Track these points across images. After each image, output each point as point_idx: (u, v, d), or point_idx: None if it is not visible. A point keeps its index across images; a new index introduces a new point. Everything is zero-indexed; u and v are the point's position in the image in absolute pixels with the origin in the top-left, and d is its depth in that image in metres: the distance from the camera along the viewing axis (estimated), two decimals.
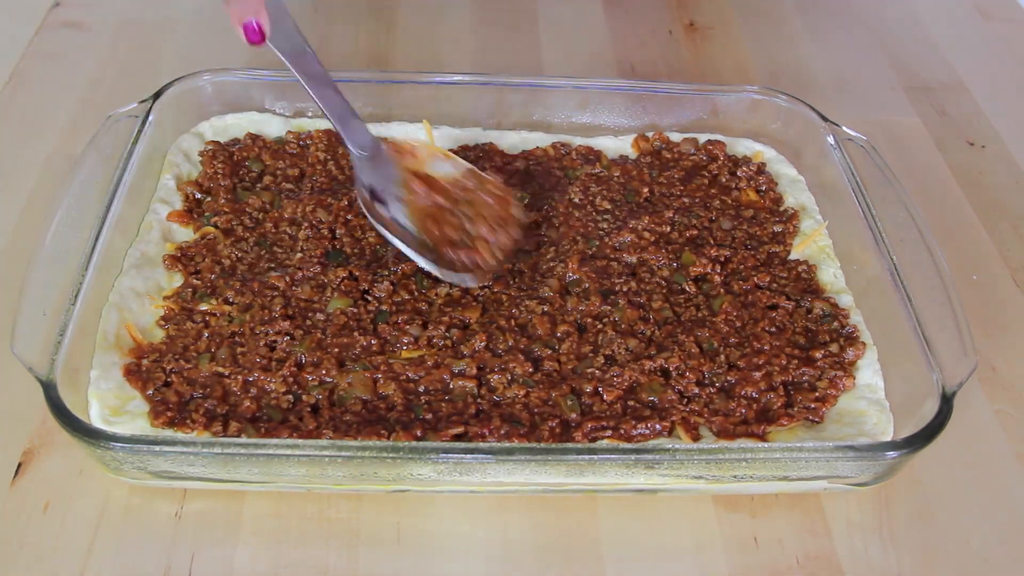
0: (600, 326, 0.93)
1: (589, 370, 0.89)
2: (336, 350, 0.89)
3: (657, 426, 0.84)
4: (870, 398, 0.90)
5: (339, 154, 1.12)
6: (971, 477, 0.90)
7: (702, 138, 1.18)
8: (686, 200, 1.09)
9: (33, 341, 0.80)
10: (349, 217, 1.03)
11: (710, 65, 1.43)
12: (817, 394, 0.89)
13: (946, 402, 0.81)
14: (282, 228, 1.02)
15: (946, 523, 0.86)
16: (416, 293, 0.95)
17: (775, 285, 0.99)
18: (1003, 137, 1.32)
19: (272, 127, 1.15)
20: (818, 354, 0.91)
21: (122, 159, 0.98)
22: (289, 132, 1.14)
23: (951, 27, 1.56)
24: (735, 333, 0.93)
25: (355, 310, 0.93)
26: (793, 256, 1.05)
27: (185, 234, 1.02)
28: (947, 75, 1.44)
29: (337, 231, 1.02)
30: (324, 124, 1.15)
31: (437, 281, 0.96)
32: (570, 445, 0.81)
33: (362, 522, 0.83)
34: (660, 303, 0.96)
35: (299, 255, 0.98)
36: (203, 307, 0.92)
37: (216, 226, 1.01)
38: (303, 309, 0.93)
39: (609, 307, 0.95)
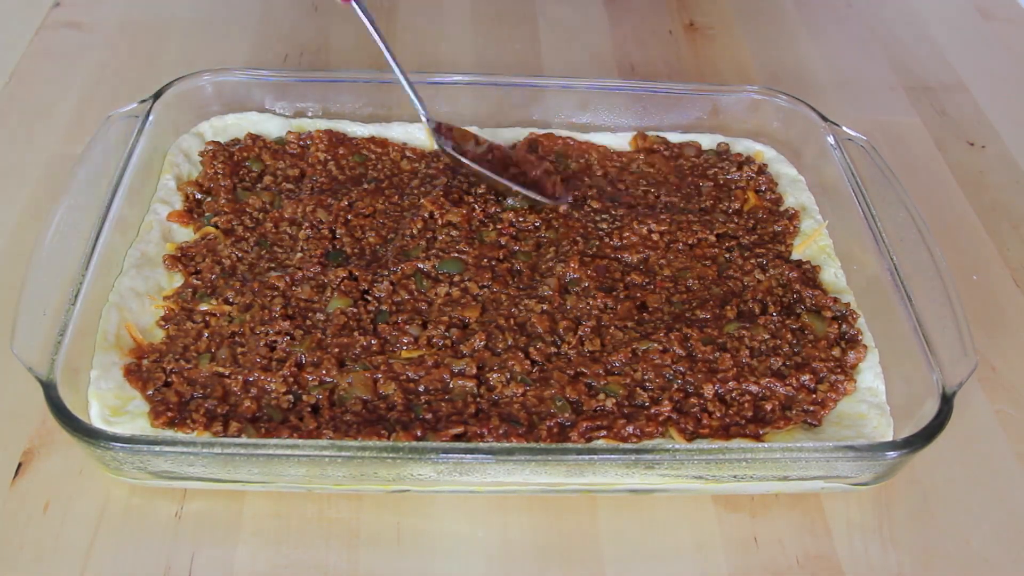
0: (596, 324, 0.93)
1: (591, 368, 0.89)
2: (336, 350, 0.89)
3: (648, 429, 0.84)
4: (871, 401, 0.90)
5: (339, 154, 1.12)
6: (971, 477, 0.90)
7: (703, 139, 1.18)
8: (677, 199, 1.09)
9: (33, 341, 0.80)
10: (349, 217, 1.03)
11: (710, 65, 1.43)
12: (816, 397, 0.88)
13: (946, 402, 0.81)
14: (282, 228, 1.02)
15: (946, 523, 0.86)
16: (416, 293, 0.95)
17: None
18: (1003, 137, 1.32)
19: (272, 127, 1.15)
20: (817, 354, 0.91)
21: (122, 159, 0.98)
22: (289, 132, 1.14)
23: (951, 27, 1.56)
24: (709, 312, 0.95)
25: (355, 310, 0.93)
26: (794, 256, 1.05)
27: (185, 234, 1.02)
28: (947, 75, 1.44)
29: (337, 231, 1.02)
30: (324, 124, 1.15)
31: (436, 281, 0.96)
32: (570, 445, 0.81)
33: (362, 522, 0.83)
34: (657, 303, 0.96)
35: (299, 255, 0.98)
36: (203, 307, 0.92)
37: (216, 226, 1.01)
38: (303, 309, 0.93)
39: (611, 303, 0.95)
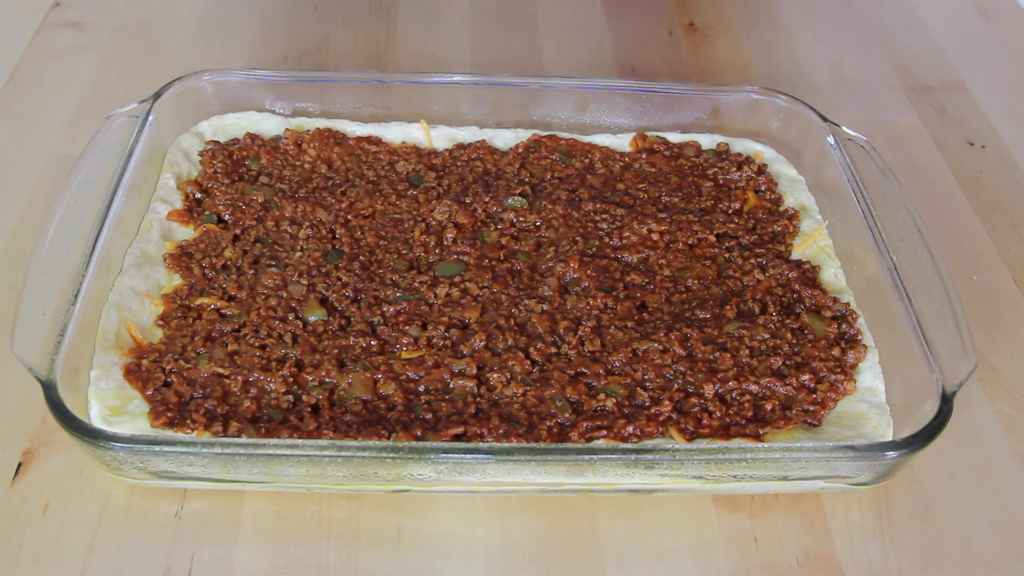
0: (596, 324, 0.93)
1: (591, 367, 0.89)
2: (335, 351, 0.89)
3: (648, 429, 0.84)
4: (871, 401, 0.89)
5: (334, 154, 1.12)
6: (971, 477, 0.90)
7: (702, 139, 1.18)
8: (677, 200, 1.09)
9: (33, 341, 0.80)
10: (349, 217, 1.03)
11: (710, 65, 1.43)
12: (815, 397, 0.88)
13: (946, 402, 0.81)
14: (283, 227, 1.02)
15: (946, 523, 0.86)
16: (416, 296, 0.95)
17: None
18: (1003, 137, 1.32)
19: (272, 127, 1.15)
20: (816, 354, 0.91)
21: (122, 159, 0.98)
22: (287, 130, 1.14)
23: (951, 27, 1.56)
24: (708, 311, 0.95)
25: (330, 319, 0.93)
26: (794, 256, 1.05)
27: (185, 233, 1.02)
28: (947, 75, 1.44)
29: (337, 231, 1.02)
30: (323, 123, 1.15)
31: (436, 283, 0.96)
32: (570, 445, 0.81)
33: (362, 522, 0.83)
34: (657, 303, 0.96)
35: (298, 254, 0.98)
36: (203, 300, 0.92)
37: (220, 220, 1.01)
38: (296, 310, 0.93)
39: (610, 303, 0.95)
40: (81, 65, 1.32)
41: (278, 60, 1.37)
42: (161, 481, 0.81)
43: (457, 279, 0.97)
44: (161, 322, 0.91)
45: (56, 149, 1.17)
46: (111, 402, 0.83)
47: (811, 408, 0.88)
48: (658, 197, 1.10)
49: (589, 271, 0.98)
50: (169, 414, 0.82)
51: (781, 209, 1.10)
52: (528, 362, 0.89)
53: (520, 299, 0.96)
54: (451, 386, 0.87)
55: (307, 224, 1.01)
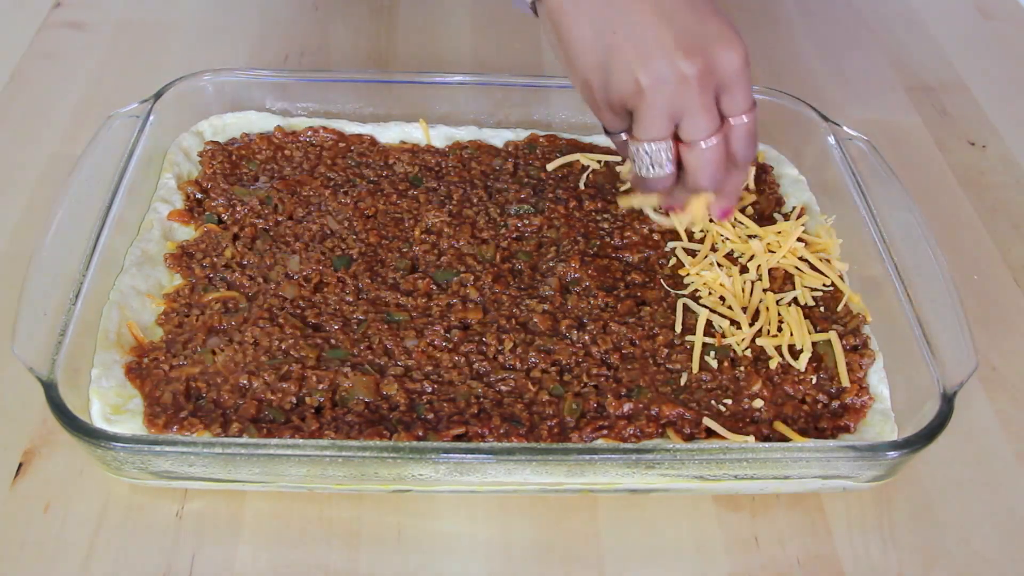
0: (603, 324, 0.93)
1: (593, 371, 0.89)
2: (338, 361, 0.89)
3: (648, 429, 0.84)
4: (875, 408, 0.89)
5: (335, 154, 1.12)
6: (972, 477, 0.90)
7: None
8: None
9: (33, 341, 0.80)
10: (354, 222, 1.03)
11: None
12: (844, 421, 0.87)
13: (946, 402, 0.81)
14: (284, 227, 1.02)
15: (947, 523, 0.86)
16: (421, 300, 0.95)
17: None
18: (1004, 137, 1.32)
19: (271, 126, 1.15)
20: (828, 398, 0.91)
21: (123, 158, 0.98)
22: (277, 128, 1.14)
23: (951, 26, 1.56)
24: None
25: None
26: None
27: (186, 233, 1.02)
28: (948, 75, 1.44)
29: (341, 232, 1.02)
30: (322, 123, 1.15)
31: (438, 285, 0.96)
32: (571, 445, 0.81)
33: (363, 522, 0.83)
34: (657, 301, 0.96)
35: (296, 257, 0.98)
36: (209, 297, 0.92)
37: (219, 220, 1.02)
38: (303, 309, 0.93)
39: (611, 302, 0.95)
40: (81, 65, 1.32)
41: (278, 60, 1.37)
42: (162, 481, 0.81)
43: (456, 285, 0.97)
44: (163, 319, 0.91)
45: (56, 149, 1.17)
46: (112, 400, 0.83)
47: (841, 426, 0.87)
48: None
49: (590, 271, 0.98)
50: (169, 413, 0.82)
51: (784, 211, 1.10)
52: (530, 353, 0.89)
53: (521, 299, 0.96)
54: (454, 382, 0.87)
55: (309, 222, 1.01)
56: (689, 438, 0.84)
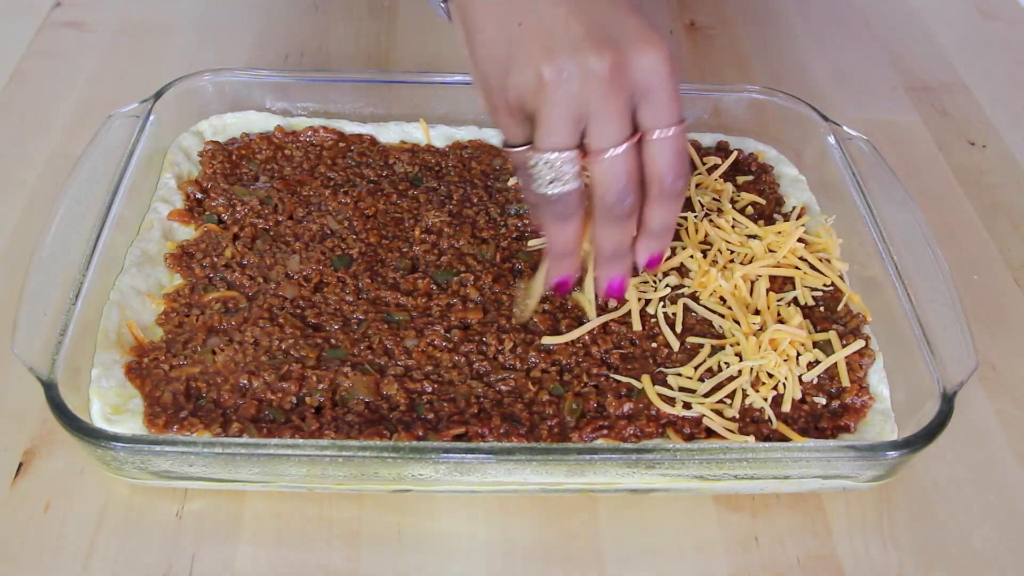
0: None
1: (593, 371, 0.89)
2: (337, 361, 0.89)
3: (648, 429, 0.84)
4: (875, 408, 0.89)
5: (335, 154, 1.12)
6: (972, 477, 0.90)
7: (703, 138, 1.18)
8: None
9: (34, 341, 0.80)
10: (355, 222, 1.03)
11: (711, 65, 1.43)
12: (844, 421, 0.87)
13: (946, 402, 0.82)
14: (284, 227, 1.02)
15: (947, 523, 0.86)
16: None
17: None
18: (1004, 137, 1.32)
19: (270, 126, 1.15)
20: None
21: (123, 158, 0.98)
22: (277, 127, 1.14)
23: (951, 27, 1.56)
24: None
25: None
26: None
27: (186, 233, 1.02)
28: (948, 75, 1.44)
29: (341, 232, 1.02)
30: (322, 123, 1.15)
31: (441, 288, 0.96)
32: (571, 445, 0.81)
33: (363, 522, 0.83)
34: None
35: (296, 256, 0.98)
36: (209, 296, 0.92)
37: (218, 221, 1.02)
38: (303, 309, 0.93)
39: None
40: (81, 65, 1.32)
41: (278, 60, 1.37)
42: (162, 481, 0.81)
43: (456, 284, 0.97)
44: (163, 319, 0.91)
45: (56, 149, 1.17)
46: (112, 400, 0.83)
47: (840, 426, 0.87)
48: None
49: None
50: (169, 413, 0.82)
51: (785, 211, 1.10)
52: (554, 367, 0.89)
53: (521, 299, 0.96)
54: (454, 382, 0.87)
55: (309, 222, 1.01)
56: (689, 438, 0.84)
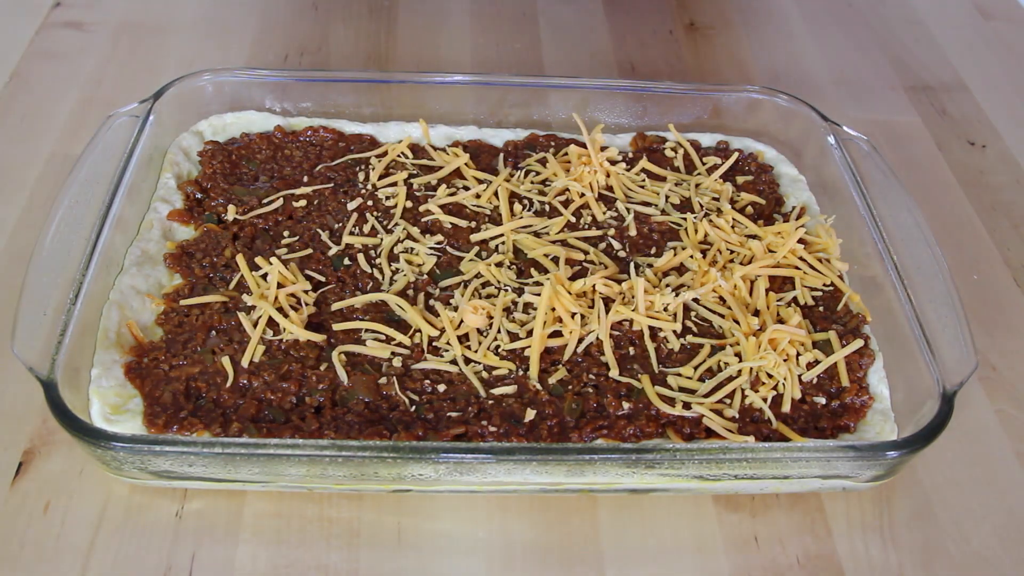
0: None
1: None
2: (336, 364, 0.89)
3: (648, 429, 0.84)
4: (875, 408, 0.89)
5: (335, 154, 1.12)
6: (971, 477, 0.90)
7: (703, 138, 1.18)
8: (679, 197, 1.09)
9: (34, 341, 0.80)
10: (354, 217, 1.03)
11: (710, 65, 1.43)
12: (843, 421, 0.87)
13: (946, 402, 0.82)
14: (283, 227, 1.02)
15: (946, 523, 0.86)
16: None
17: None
18: (1004, 137, 1.32)
19: (270, 126, 1.15)
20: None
21: (123, 158, 0.98)
22: (277, 127, 1.13)
23: (951, 27, 1.56)
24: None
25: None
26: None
27: (186, 232, 1.02)
28: (947, 75, 1.44)
29: (342, 233, 1.02)
30: (322, 123, 1.15)
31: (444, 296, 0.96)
32: (570, 445, 0.81)
33: (363, 522, 0.83)
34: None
35: (285, 248, 0.98)
36: (206, 299, 0.92)
37: (217, 221, 1.02)
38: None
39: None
40: (81, 65, 1.32)
41: (278, 60, 1.37)
42: (162, 481, 0.81)
43: (461, 289, 0.96)
44: (163, 319, 0.91)
45: (56, 149, 1.17)
46: (112, 400, 0.83)
47: (840, 425, 0.87)
48: (657, 195, 1.10)
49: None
50: (169, 413, 0.82)
51: (784, 211, 1.10)
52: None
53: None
54: (454, 382, 0.87)
55: (308, 234, 1.01)
56: (689, 438, 0.84)
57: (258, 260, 0.95)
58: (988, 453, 0.92)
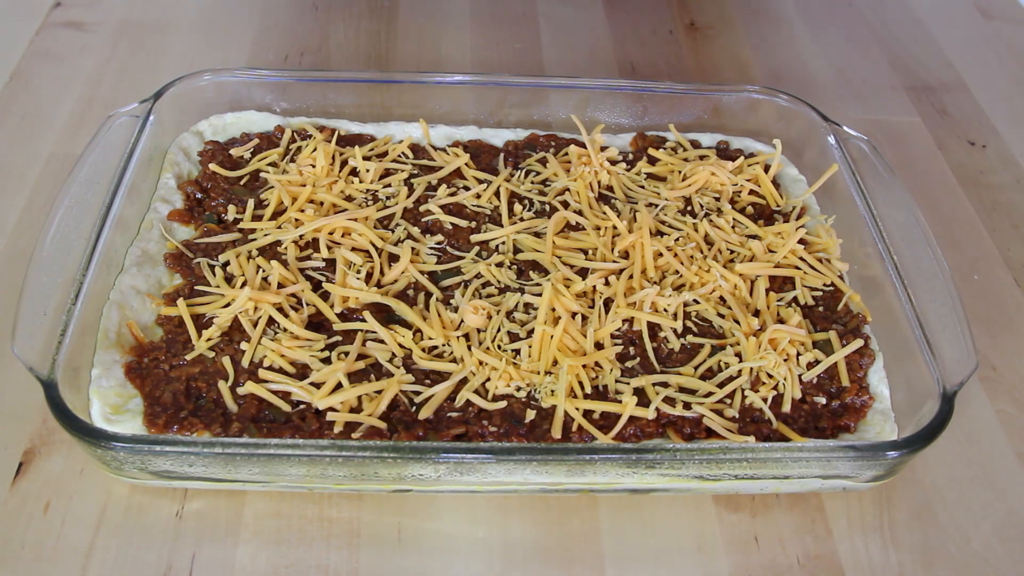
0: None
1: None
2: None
3: (647, 429, 0.84)
4: (875, 408, 0.89)
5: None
6: (971, 477, 0.90)
7: (703, 138, 1.18)
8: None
9: (34, 341, 0.80)
10: (355, 219, 1.03)
11: (711, 65, 1.43)
12: (844, 421, 0.88)
13: (946, 402, 0.82)
14: (284, 226, 1.02)
15: (946, 523, 0.86)
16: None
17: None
18: (1004, 136, 1.32)
19: (271, 126, 1.15)
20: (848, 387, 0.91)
21: (123, 158, 0.98)
22: (277, 127, 1.13)
23: (951, 26, 1.56)
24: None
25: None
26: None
27: (186, 232, 1.02)
28: (947, 74, 1.44)
29: (342, 234, 1.02)
30: (322, 123, 1.15)
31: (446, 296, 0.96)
32: (570, 445, 0.81)
33: (363, 522, 0.83)
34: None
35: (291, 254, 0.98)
36: (207, 299, 0.92)
37: (217, 221, 1.01)
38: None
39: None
40: (81, 65, 1.32)
41: (278, 60, 1.37)
42: (162, 481, 0.81)
43: (460, 287, 0.96)
44: (163, 319, 0.91)
45: (56, 149, 1.17)
46: (112, 400, 0.83)
47: (840, 425, 0.87)
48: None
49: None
50: (169, 413, 0.82)
51: (784, 211, 1.10)
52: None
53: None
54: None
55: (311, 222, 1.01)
56: (689, 438, 0.84)
57: (259, 260, 0.95)
58: (988, 453, 0.92)
